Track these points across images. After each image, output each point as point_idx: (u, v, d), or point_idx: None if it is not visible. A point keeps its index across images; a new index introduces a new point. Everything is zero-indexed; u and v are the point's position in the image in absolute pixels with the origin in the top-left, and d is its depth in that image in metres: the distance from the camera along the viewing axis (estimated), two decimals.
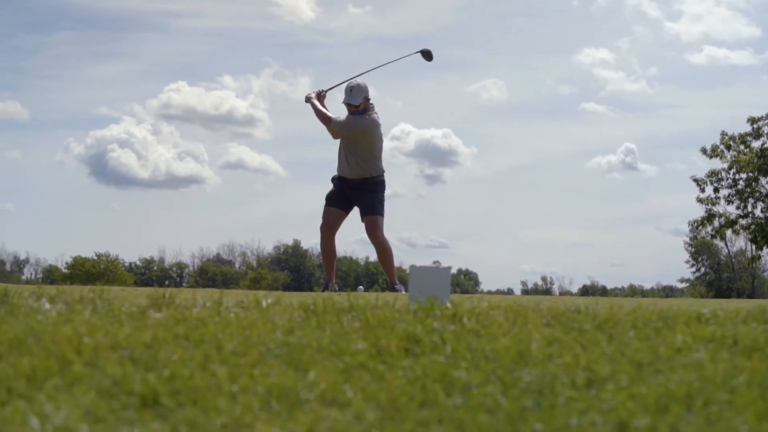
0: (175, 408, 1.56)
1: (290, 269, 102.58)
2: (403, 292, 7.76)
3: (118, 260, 66.84)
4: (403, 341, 2.19)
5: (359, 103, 8.00)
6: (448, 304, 2.86)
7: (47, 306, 2.55)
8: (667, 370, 2.04)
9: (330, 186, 8.72)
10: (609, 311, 2.77)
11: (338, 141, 8.24)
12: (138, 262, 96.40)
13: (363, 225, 8.32)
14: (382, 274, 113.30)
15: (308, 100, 8.52)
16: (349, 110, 8.08)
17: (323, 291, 8.07)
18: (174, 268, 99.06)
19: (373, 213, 8.46)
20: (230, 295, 3.24)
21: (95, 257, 63.17)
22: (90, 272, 59.01)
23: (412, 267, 3.43)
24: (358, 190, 8.41)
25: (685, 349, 2.27)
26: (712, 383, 1.92)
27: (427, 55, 8.80)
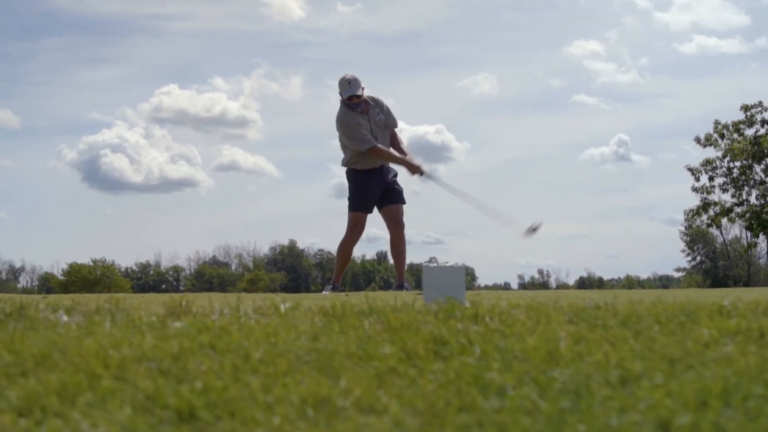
0: (214, 421, 1.54)
1: (287, 270, 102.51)
2: (410, 291, 7.71)
3: (115, 266, 66.64)
4: (430, 344, 2.16)
5: (361, 93, 7.98)
6: (467, 303, 2.84)
7: (65, 318, 2.52)
8: (699, 365, 2.02)
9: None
10: (630, 306, 2.76)
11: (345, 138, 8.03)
12: (134, 267, 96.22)
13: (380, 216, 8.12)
14: (378, 272, 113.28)
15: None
16: (351, 102, 7.99)
17: (332, 291, 7.99)
18: (170, 272, 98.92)
19: (401, 200, 8.23)
20: (246, 300, 3.21)
21: (91, 263, 62.98)
22: (86, 278, 58.91)
23: (426, 267, 3.41)
24: (390, 173, 8.22)
25: (712, 343, 2.25)
26: (746, 378, 1.90)
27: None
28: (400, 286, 8.15)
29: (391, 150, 7.90)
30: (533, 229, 8.30)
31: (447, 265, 3.40)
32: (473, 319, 2.55)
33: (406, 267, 8.32)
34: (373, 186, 8.06)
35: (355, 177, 8.09)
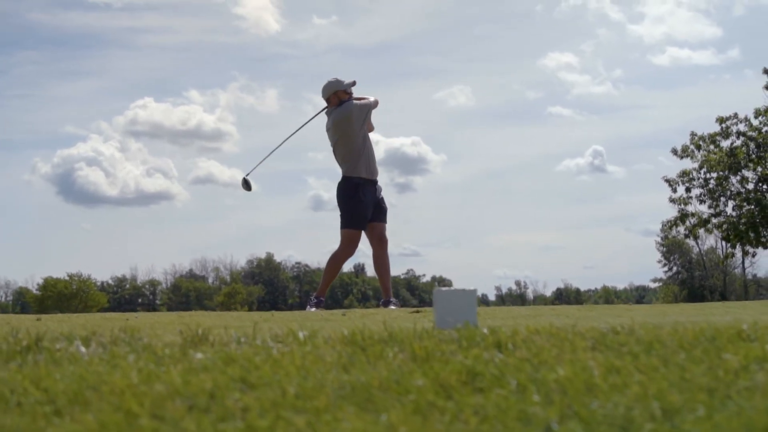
0: None
1: (264, 283, 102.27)
2: (397, 308, 7.69)
3: (91, 280, 66.23)
4: (462, 375, 2.14)
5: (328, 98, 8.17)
6: (485, 330, 2.82)
7: (83, 349, 2.48)
8: (735, 395, 2.02)
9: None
10: (651, 332, 2.75)
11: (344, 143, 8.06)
12: (110, 281, 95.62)
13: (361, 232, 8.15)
14: (356, 284, 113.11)
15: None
16: (347, 94, 8.20)
17: (318, 306, 7.94)
18: (147, 286, 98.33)
19: (385, 219, 8.30)
20: (261, 325, 3.17)
21: (67, 278, 62.58)
22: (62, 293, 58.53)
23: (438, 291, 3.38)
24: (379, 191, 8.28)
25: (741, 371, 2.25)
26: None
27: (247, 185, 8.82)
28: (387, 303, 8.13)
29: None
30: (247, 184, 8.53)
31: (458, 288, 3.38)
32: (497, 347, 2.53)
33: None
34: (368, 203, 8.06)
35: (353, 191, 8.07)
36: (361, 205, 8.02)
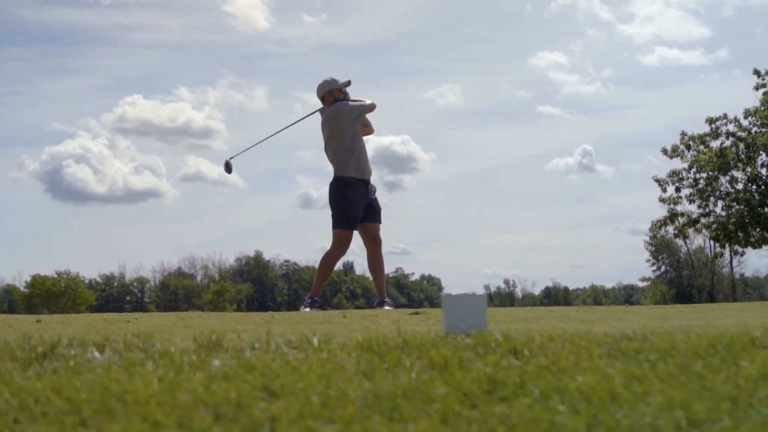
0: None
1: (253, 281, 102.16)
2: (392, 308, 7.69)
3: (79, 277, 65.99)
4: (483, 383, 2.14)
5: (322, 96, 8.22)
6: (499, 336, 2.82)
7: (98, 356, 2.47)
8: (757, 404, 2.02)
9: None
10: (666, 339, 2.75)
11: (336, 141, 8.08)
12: (98, 279, 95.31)
13: (355, 232, 8.16)
14: (345, 282, 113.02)
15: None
16: (341, 93, 8.25)
17: (312, 306, 7.94)
18: (135, 284, 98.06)
19: (379, 219, 8.33)
20: (273, 329, 3.16)
21: (55, 275, 62.31)
22: (50, 291, 58.29)
23: (446, 296, 3.38)
24: (372, 191, 8.30)
25: (760, 379, 2.25)
26: None
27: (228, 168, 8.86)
28: (381, 303, 8.14)
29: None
30: (228, 167, 8.62)
31: (468, 293, 3.38)
32: (513, 354, 2.53)
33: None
34: (358, 202, 8.06)
35: (342, 191, 8.09)
36: (350, 204, 8.04)
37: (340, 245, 8.08)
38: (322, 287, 8.23)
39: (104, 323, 4.61)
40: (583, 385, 2.13)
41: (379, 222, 8.24)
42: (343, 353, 2.55)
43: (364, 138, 8.23)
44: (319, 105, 8.29)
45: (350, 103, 8.04)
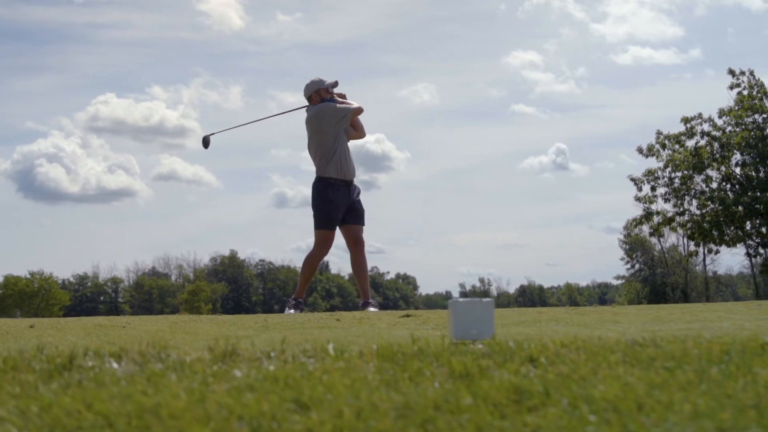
0: None
1: (228, 280, 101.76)
2: (377, 310, 7.70)
3: (53, 278, 65.36)
4: (510, 393, 2.16)
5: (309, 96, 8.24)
6: (512, 344, 2.83)
7: (115, 366, 2.46)
8: None
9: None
10: (677, 345, 2.78)
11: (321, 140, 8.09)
12: (72, 279, 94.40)
13: (336, 233, 8.17)
14: (320, 282, 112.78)
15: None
16: (328, 93, 8.28)
17: (296, 308, 7.93)
18: (109, 284, 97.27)
19: (362, 221, 8.34)
20: (275, 335, 3.16)
21: (29, 276, 61.68)
22: (24, 291, 57.72)
23: (454, 302, 3.39)
24: (355, 192, 8.30)
25: None
26: None
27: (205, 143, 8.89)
28: (366, 304, 8.16)
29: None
30: (206, 142, 8.70)
31: (476, 299, 3.39)
32: (530, 362, 2.55)
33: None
34: (340, 203, 8.07)
35: (322, 192, 8.10)
36: (331, 205, 8.05)
37: (321, 246, 8.10)
38: (305, 288, 8.24)
39: (101, 329, 4.58)
40: (608, 393, 2.15)
41: (362, 224, 8.25)
42: (361, 362, 2.55)
43: (355, 142, 8.24)
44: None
45: (337, 105, 8.05)
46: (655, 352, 2.68)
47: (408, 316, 6.12)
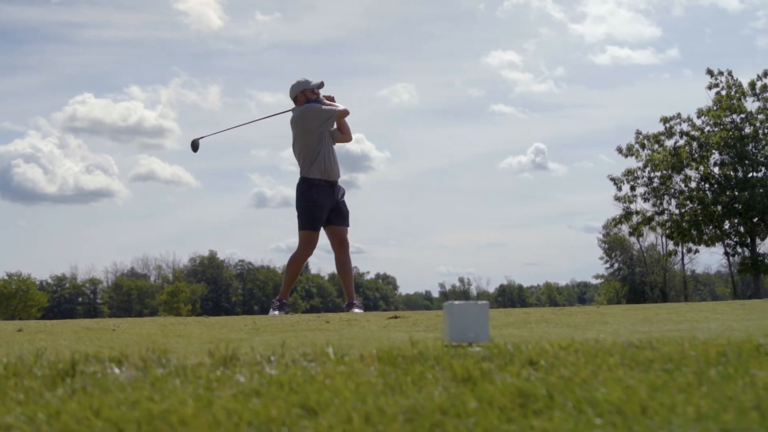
0: None
1: (207, 281, 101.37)
2: (362, 311, 7.71)
3: (30, 279, 64.86)
4: (514, 396, 2.17)
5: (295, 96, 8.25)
6: (510, 347, 2.85)
7: (117, 371, 2.45)
8: None
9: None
10: (674, 346, 2.81)
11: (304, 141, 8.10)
12: (50, 280, 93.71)
13: (321, 234, 8.17)
14: (300, 282, 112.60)
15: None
16: (314, 94, 8.29)
17: (281, 309, 7.93)
18: (87, 285, 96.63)
19: (346, 222, 8.35)
20: (269, 338, 3.17)
21: (6, 277, 61.17)
22: (1, 293, 57.21)
23: (448, 304, 3.40)
24: (339, 193, 8.31)
25: None
26: None
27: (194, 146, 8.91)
28: (350, 305, 8.17)
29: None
30: (195, 146, 8.75)
31: (471, 302, 3.41)
32: (530, 365, 2.57)
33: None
34: (324, 204, 8.08)
35: (306, 192, 8.11)
36: (314, 205, 8.06)
37: (306, 246, 8.10)
38: (290, 289, 8.25)
39: (91, 332, 4.56)
40: (611, 396, 2.17)
41: (347, 225, 8.27)
42: (362, 366, 2.56)
43: (343, 144, 8.26)
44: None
45: (322, 106, 8.06)
46: (652, 354, 2.71)
47: (396, 317, 6.13)
